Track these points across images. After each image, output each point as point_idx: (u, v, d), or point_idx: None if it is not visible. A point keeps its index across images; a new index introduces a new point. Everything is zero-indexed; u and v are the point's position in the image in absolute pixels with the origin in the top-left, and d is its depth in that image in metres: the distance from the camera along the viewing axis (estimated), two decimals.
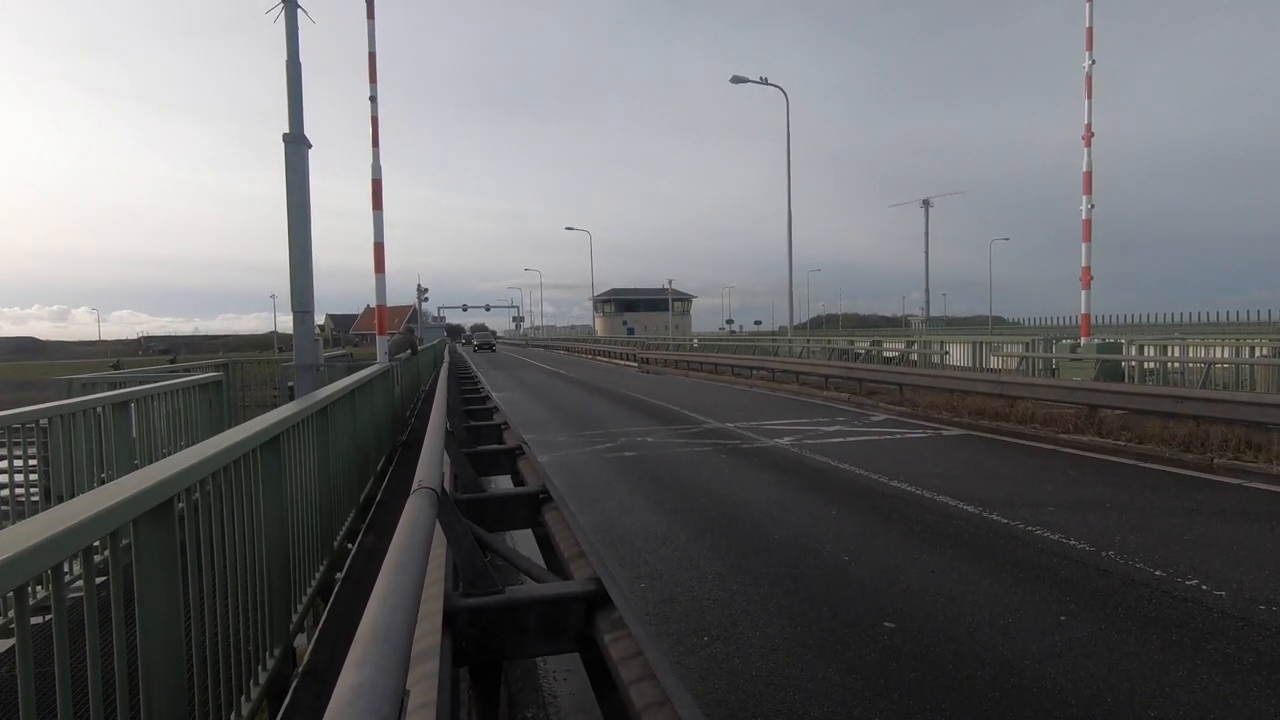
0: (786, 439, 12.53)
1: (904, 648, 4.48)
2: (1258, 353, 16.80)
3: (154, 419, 6.44)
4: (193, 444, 3.01)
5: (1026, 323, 54.55)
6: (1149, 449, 10.62)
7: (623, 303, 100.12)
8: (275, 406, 5.32)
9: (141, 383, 7.03)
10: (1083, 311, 20.19)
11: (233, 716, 2.74)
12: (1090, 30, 19.18)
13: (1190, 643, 4.47)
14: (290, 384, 10.76)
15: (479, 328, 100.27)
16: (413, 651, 1.45)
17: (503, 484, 5.94)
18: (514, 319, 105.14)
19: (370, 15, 16.85)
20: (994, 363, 20.52)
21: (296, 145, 9.54)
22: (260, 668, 3.13)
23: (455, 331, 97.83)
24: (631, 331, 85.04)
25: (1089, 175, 19.54)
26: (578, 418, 16.42)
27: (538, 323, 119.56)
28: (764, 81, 29.47)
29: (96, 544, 1.91)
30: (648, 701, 1.79)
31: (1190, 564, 5.85)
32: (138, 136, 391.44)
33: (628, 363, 40.79)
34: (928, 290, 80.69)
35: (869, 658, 4.36)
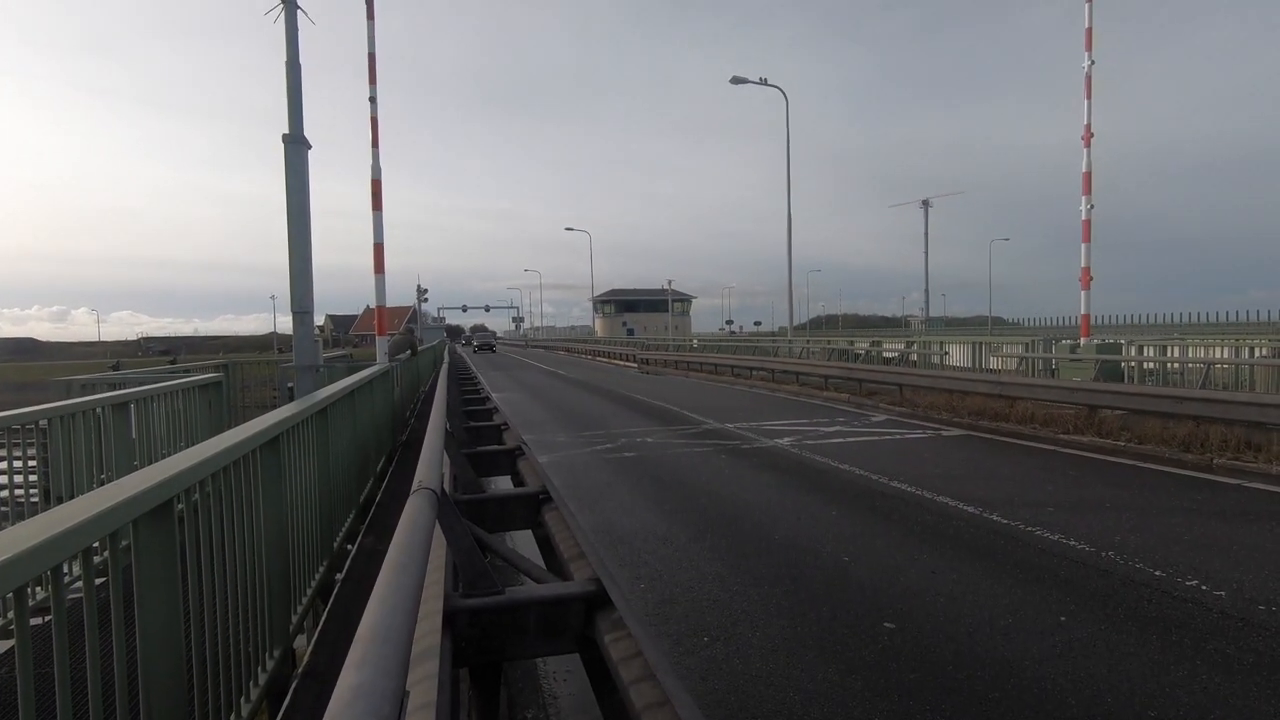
0: (786, 439, 12.53)
1: (904, 648, 4.48)
2: (1257, 353, 16.81)
3: (153, 420, 6.44)
4: (192, 445, 3.01)
5: (1026, 323, 54.55)
6: (1149, 449, 10.62)
7: (622, 303, 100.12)
8: (275, 407, 5.32)
9: (141, 384, 7.02)
10: (1082, 312, 20.20)
11: (232, 717, 2.74)
12: (1090, 31, 19.20)
13: (1190, 643, 4.47)
14: (290, 385, 10.75)
15: (479, 328, 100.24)
16: (413, 652, 1.45)
17: (502, 485, 5.94)
18: (514, 320, 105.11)
19: (370, 16, 16.88)
20: (994, 363, 20.53)
21: (296, 146, 9.53)
22: (260, 669, 3.13)
23: (455, 332, 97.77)
24: (631, 332, 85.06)
25: (1088, 176, 19.55)
26: (577, 418, 16.42)
27: (537, 323, 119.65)
28: (763, 82, 29.49)
29: (96, 545, 1.91)
30: (648, 702, 1.79)
31: (1190, 564, 5.85)
32: (137, 137, 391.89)
33: (627, 363, 40.79)
34: (927, 291, 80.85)
35: (869, 658, 4.36)
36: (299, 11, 9.69)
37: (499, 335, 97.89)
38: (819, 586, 5.56)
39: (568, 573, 2.93)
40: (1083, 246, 19.71)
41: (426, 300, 72.80)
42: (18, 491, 5.02)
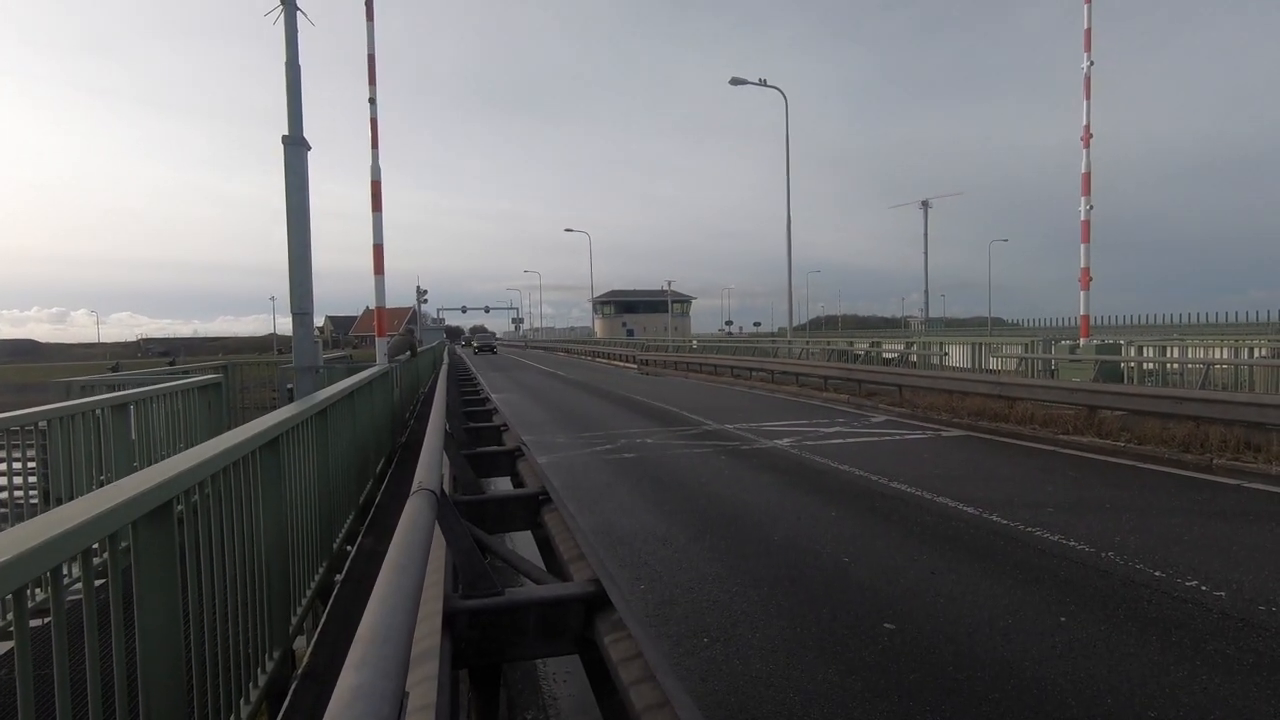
0: (786, 440, 12.53)
1: (904, 649, 4.48)
2: (1257, 353, 16.83)
3: (153, 421, 6.44)
4: (192, 446, 3.01)
5: (1026, 324, 54.58)
6: (1148, 450, 10.62)
7: (622, 304, 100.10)
8: (274, 409, 5.32)
9: (140, 385, 7.02)
10: (1082, 312, 20.20)
11: (231, 719, 2.74)
12: (1089, 31, 19.21)
13: (1190, 643, 4.47)
14: (289, 386, 10.75)
15: (478, 329, 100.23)
16: (412, 653, 1.45)
17: (502, 485, 5.94)
18: (513, 321, 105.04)
19: (370, 17, 16.88)
20: (993, 364, 20.55)
21: (296, 147, 9.53)
22: (259, 670, 3.13)
23: (454, 333, 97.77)
24: (631, 333, 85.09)
25: (1087, 176, 19.55)
26: (577, 419, 16.42)
27: (537, 324, 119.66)
28: (763, 83, 29.50)
29: (95, 546, 1.91)
30: (648, 703, 1.79)
31: (1190, 565, 5.85)
32: (137, 138, 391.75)
33: (627, 364, 40.79)
34: (927, 291, 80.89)
35: (869, 659, 4.36)
36: (298, 13, 9.69)
37: (498, 336, 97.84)
38: (819, 587, 5.56)
39: (567, 574, 2.93)
40: (1082, 247, 19.71)
41: (426, 301, 72.77)
42: (17, 493, 5.02)
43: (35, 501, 5.04)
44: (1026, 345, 22.30)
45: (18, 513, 5.05)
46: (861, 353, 28.40)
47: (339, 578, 4.98)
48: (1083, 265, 19.78)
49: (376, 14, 16.89)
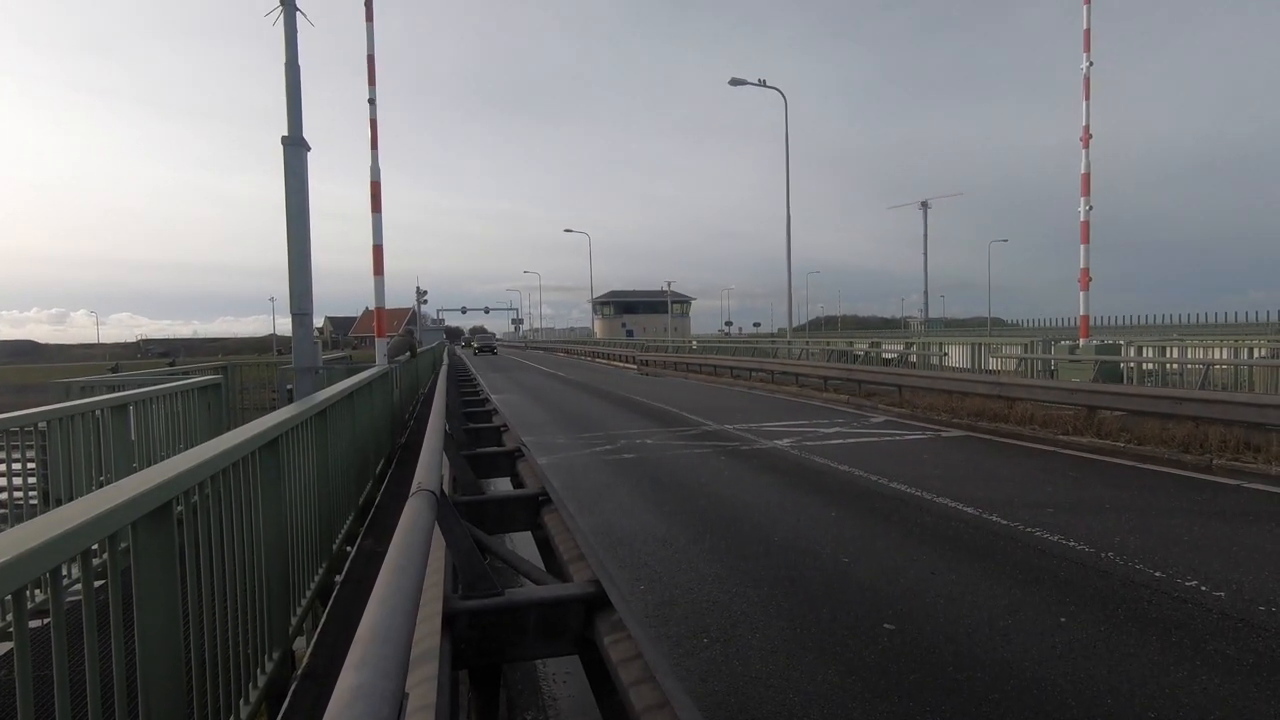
0: (786, 441, 12.53)
1: (904, 649, 4.48)
2: (1256, 354, 16.84)
3: (152, 422, 6.44)
4: (191, 447, 3.00)
5: (1025, 324, 54.68)
6: (1148, 450, 10.62)
7: (622, 305, 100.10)
8: (274, 409, 5.31)
9: (140, 386, 7.02)
10: (1081, 313, 20.21)
11: (231, 719, 2.73)
12: (1088, 32, 19.22)
13: (1190, 644, 4.47)
14: (289, 387, 10.74)
15: (478, 330, 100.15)
16: (412, 654, 1.44)
17: (502, 486, 5.93)
18: (513, 321, 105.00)
19: (369, 18, 16.87)
20: (993, 364, 20.54)
21: (295, 148, 9.53)
22: (259, 670, 3.13)
23: (454, 334, 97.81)
24: (630, 333, 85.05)
25: (1087, 177, 19.57)
26: (577, 420, 16.42)
27: (536, 325, 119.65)
28: (762, 84, 29.50)
29: (95, 547, 1.91)
30: (647, 704, 1.79)
31: (1189, 565, 5.85)
32: (137, 138, 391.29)
33: (627, 365, 40.80)
34: (926, 292, 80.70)
35: (869, 659, 4.36)
36: (298, 13, 9.69)
37: (498, 337, 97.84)
38: (819, 588, 5.56)
39: (567, 574, 2.93)
40: (1081, 247, 19.73)
41: (426, 302, 72.72)
42: (16, 494, 5.01)
43: (35, 502, 5.04)
44: (1026, 346, 22.31)
45: (17, 514, 5.05)
46: (861, 353, 28.41)
47: (339, 578, 4.98)
48: (1082, 265, 19.79)
49: (376, 14, 16.88)
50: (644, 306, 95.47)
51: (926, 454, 11.25)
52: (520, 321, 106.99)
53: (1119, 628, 4.72)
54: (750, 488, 9.12)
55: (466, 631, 2.36)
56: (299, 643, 3.99)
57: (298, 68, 9.67)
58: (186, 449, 3.05)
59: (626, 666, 2.00)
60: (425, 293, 70.76)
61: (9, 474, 4.77)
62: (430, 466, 2.84)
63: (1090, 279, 19.89)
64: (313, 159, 9.76)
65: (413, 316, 64.23)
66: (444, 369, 14.79)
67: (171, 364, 16.28)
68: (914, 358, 25.30)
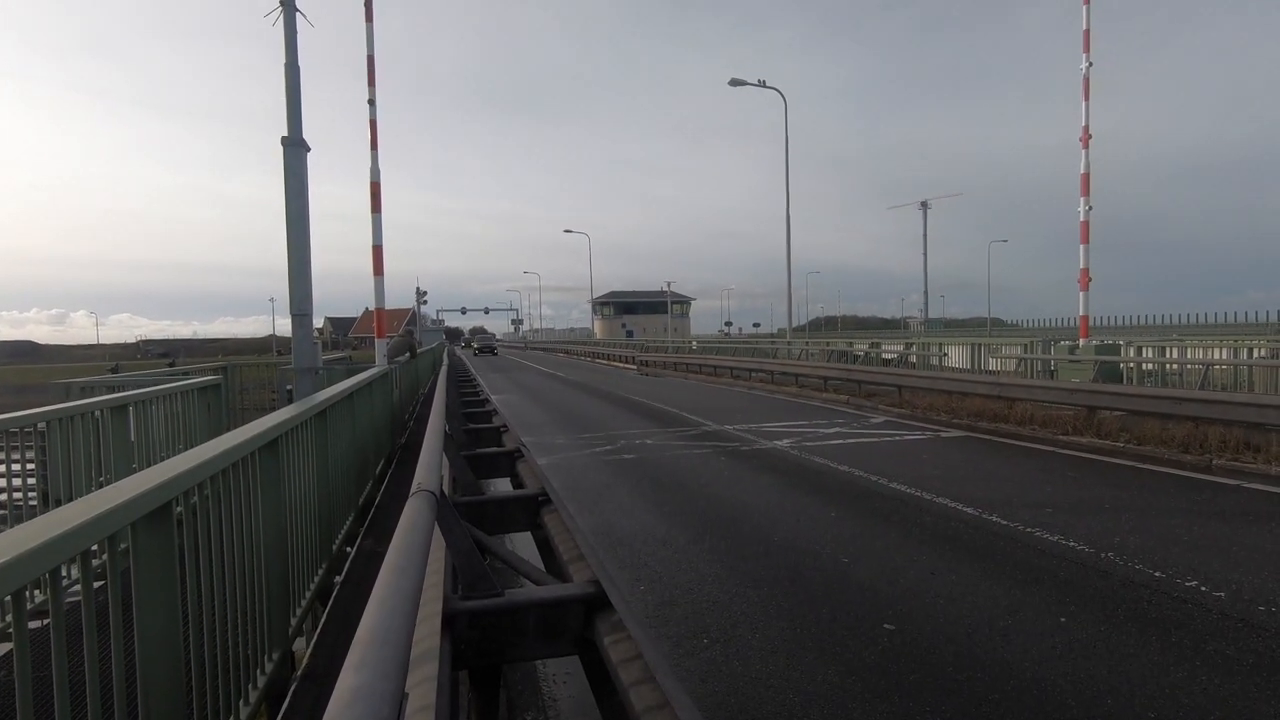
0: (786, 441, 12.53)
1: (904, 649, 4.48)
2: (1255, 354, 16.84)
3: (152, 423, 6.44)
4: (191, 448, 3.00)
5: (1025, 324, 54.67)
6: (1148, 450, 10.62)
7: (621, 305, 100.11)
8: (274, 410, 5.31)
9: (140, 386, 7.02)
10: (1081, 313, 20.21)
11: None
12: (1087, 32, 19.23)
13: (1190, 644, 4.47)
14: (289, 387, 10.74)
15: (478, 330, 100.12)
16: (412, 655, 1.44)
17: (502, 486, 5.93)
18: (512, 322, 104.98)
19: (369, 18, 16.88)
20: (993, 364, 20.54)
21: (295, 149, 9.53)
22: (259, 671, 3.13)
23: (454, 334, 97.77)
24: (630, 334, 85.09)
25: (1086, 177, 19.57)
26: (577, 420, 16.42)
27: (536, 325, 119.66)
28: (762, 84, 29.49)
29: (94, 548, 1.91)
30: (647, 704, 1.79)
31: (1189, 565, 5.85)
32: (137, 139, 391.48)
33: (627, 365, 40.79)
34: (926, 292, 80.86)
35: (869, 660, 4.36)
36: (298, 14, 9.69)
37: (498, 338, 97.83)
38: (818, 588, 5.56)
39: (567, 575, 2.92)
40: (1081, 247, 19.73)
41: (425, 303, 72.68)
42: (16, 494, 5.01)
43: (34, 503, 5.04)
44: (1026, 346, 22.32)
45: (17, 514, 5.04)
46: (861, 353, 28.42)
47: (338, 579, 4.97)
48: (1082, 266, 19.79)
49: (376, 14, 16.90)
50: (644, 307, 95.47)
51: (926, 454, 11.25)
52: (520, 322, 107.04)
53: (1119, 628, 4.72)
54: (750, 488, 9.12)
55: (466, 632, 2.36)
56: (299, 643, 3.99)
57: (297, 68, 9.68)
58: (186, 450, 3.05)
59: (626, 667, 2.00)
60: (425, 293, 70.71)
61: (9, 474, 4.77)
62: (430, 467, 2.84)
63: (1090, 279, 19.89)
64: (313, 159, 9.78)
65: (412, 317, 64.21)
66: (444, 369, 14.78)
67: (171, 364, 16.27)
68: (914, 358, 25.30)
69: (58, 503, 4.67)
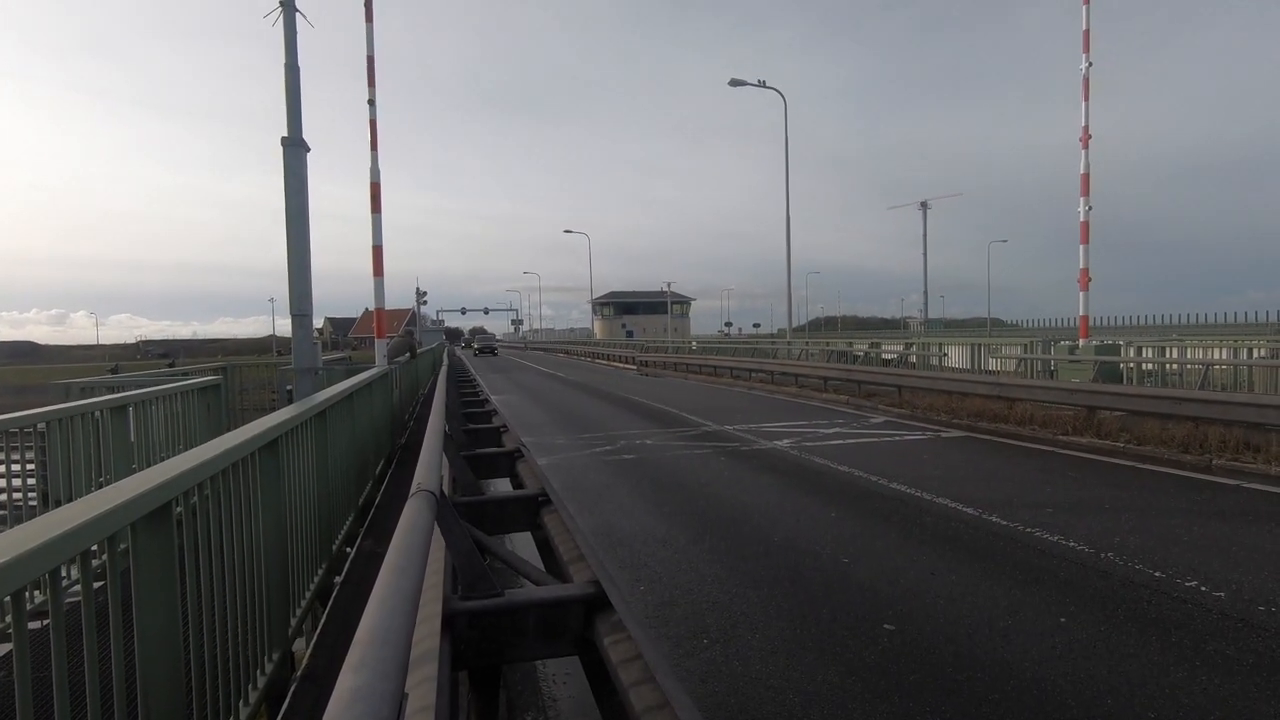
0: (786, 441, 12.53)
1: (904, 650, 4.48)
2: (1255, 354, 16.84)
3: (152, 423, 6.44)
4: (191, 448, 3.00)
5: (1025, 325, 54.66)
6: (1148, 450, 10.63)
7: (621, 305, 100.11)
8: (274, 410, 5.31)
9: (139, 387, 7.02)
10: (1081, 313, 20.22)
11: None
12: (1087, 33, 19.23)
13: (1190, 644, 4.47)
14: (289, 387, 10.74)
15: (478, 331, 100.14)
16: (411, 655, 1.44)
17: (502, 487, 5.93)
18: (512, 322, 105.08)
19: (369, 18, 16.88)
20: (993, 364, 20.55)
21: (295, 149, 9.53)
22: (259, 672, 3.13)
23: (454, 335, 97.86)
24: (630, 334, 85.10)
25: (1086, 177, 19.57)
26: (576, 420, 16.42)
27: (536, 326, 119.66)
28: (761, 85, 29.50)
29: (94, 548, 1.91)
30: (647, 704, 1.79)
31: (1189, 565, 5.85)
32: (136, 139, 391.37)
33: (626, 365, 40.79)
34: (926, 292, 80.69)
35: (869, 660, 4.36)
36: (298, 14, 9.69)
37: (498, 338, 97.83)
38: (818, 588, 5.56)
39: (567, 575, 2.92)
40: (1081, 248, 19.74)
41: (425, 303, 72.70)
42: (16, 495, 5.01)
43: (34, 503, 5.04)
44: (1026, 346, 22.32)
45: (16, 515, 5.04)
46: (861, 354, 28.42)
47: (338, 579, 4.97)
48: (1082, 266, 19.80)
49: (376, 15, 16.90)
50: (644, 307, 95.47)
51: (926, 454, 11.25)
52: (520, 322, 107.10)
53: (1119, 628, 4.72)
54: (750, 488, 9.11)
55: (466, 632, 2.36)
56: (298, 644, 3.99)
57: (297, 69, 9.68)
58: (186, 450, 3.05)
59: (626, 667, 2.00)
60: (425, 293, 70.73)
61: (8, 475, 4.77)
62: (430, 467, 2.84)
63: (1090, 279, 19.90)
64: (312, 160, 9.77)
65: (412, 317, 64.21)
66: (444, 370, 14.78)
67: (171, 365, 16.26)
68: (914, 358, 25.30)
69: (57, 503, 4.67)
